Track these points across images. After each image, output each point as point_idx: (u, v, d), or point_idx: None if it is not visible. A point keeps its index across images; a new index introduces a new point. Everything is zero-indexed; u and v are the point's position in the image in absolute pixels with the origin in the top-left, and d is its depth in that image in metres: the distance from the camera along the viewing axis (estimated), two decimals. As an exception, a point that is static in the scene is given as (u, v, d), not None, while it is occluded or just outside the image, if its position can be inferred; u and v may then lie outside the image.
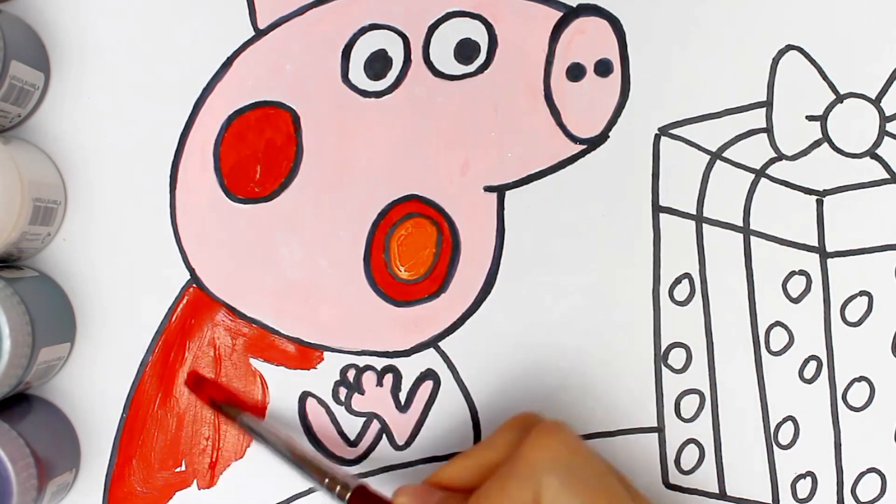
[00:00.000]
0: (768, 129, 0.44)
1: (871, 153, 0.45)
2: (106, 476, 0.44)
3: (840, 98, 0.45)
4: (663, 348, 0.44)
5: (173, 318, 0.44)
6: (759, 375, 0.44)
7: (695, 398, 0.44)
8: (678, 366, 0.44)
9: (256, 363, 0.44)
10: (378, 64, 0.44)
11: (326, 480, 0.39)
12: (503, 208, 0.44)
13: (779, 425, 0.44)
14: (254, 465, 0.44)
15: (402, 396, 0.44)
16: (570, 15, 0.44)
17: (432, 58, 0.44)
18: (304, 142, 0.44)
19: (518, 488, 0.35)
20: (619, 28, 0.44)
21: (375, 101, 0.44)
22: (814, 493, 0.44)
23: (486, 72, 0.44)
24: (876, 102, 0.45)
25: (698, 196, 0.44)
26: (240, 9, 0.44)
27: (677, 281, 0.44)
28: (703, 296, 0.44)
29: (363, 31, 0.44)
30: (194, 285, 0.44)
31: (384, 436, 0.44)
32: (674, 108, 0.44)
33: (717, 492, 0.44)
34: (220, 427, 0.44)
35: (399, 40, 0.44)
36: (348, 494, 0.38)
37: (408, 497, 0.38)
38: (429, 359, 0.44)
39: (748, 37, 0.44)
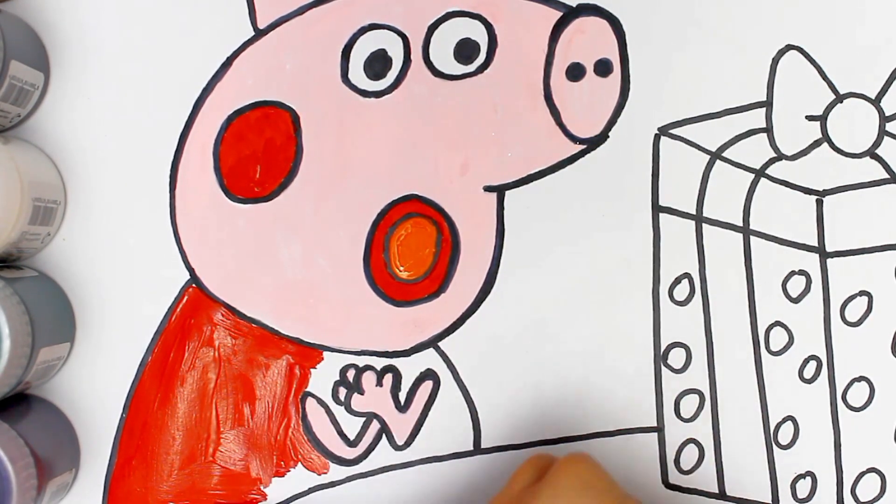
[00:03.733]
0: (768, 129, 0.44)
1: (871, 153, 0.45)
2: (106, 476, 0.44)
3: (840, 98, 0.45)
4: (663, 348, 0.44)
5: (173, 318, 0.44)
6: (758, 375, 0.44)
7: (695, 398, 0.44)
8: (678, 366, 0.44)
9: (256, 363, 0.44)
10: (378, 64, 0.44)
11: None
12: (503, 208, 0.44)
13: (779, 425, 0.44)
14: (254, 465, 0.44)
15: (402, 396, 0.44)
16: (570, 15, 0.44)
17: (432, 58, 0.44)
18: (303, 142, 0.44)
19: None
20: (619, 28, 0.44)
21: (375, 101, 0.44)
22: (814, 493, 0.44)
23: (485, 72, 0.44)
24: (876, 102, 0.45)
25: (698, 196, 0.44)
26: (240, 9, 0.44)
27: (677, 281, 0.44)
28: (703, 296, 0.44)
29: (363, 30, 0.44)
30: (194, 285, 0.44)
31: (384, 436, 0.44)
32: (674, 108, 0.44)
33: (717, 492, 0.44)
34: (219, 428, 0.44)
35: (399, 40, 0.44)
36: None
37: None
38: (429, 359, 0.44)
39: (748, 37, 0.44)
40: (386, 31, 0.44)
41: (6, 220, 0.40)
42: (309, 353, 0.44)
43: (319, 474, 0.44)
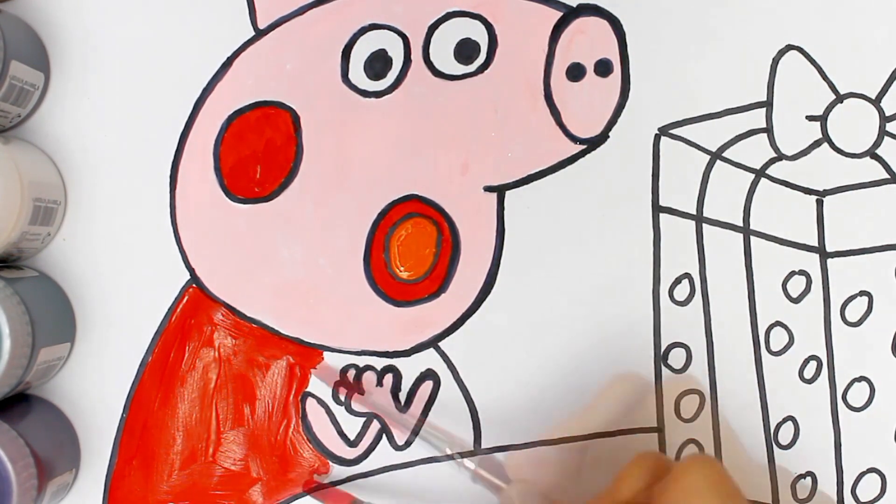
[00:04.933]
0: (768, 129, 0.44)
1: (871, 153, 0.45)
2: (106, 476, 0.44)
3: (840, 98, 0.45)
4: (663, 348, 0.44)
5: (173, 318, 0.44)
6: (759, 375, 0.44)
7: (695, 398, 0.44)
8: (678, 366, 0.44)
9: (256, 363, 0.44)
10: (378, 64, 0.44)
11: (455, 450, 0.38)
12: (503, 208, 0.44)
13: (779, 425, 0.44)
14: (254, 465, 0.44)
15: (402, 396, 0.44)
16: (570, 15, 0.44)
17: (432, 58, 0.44)
18: (304, 142, 0.44)
19: None
20: (619, 28, 0.44)
21: (375, 100, 0.44)
22: (814, 494, 0.44)
23: (486, 72, 0.44)
24: (876, 102, 0.45)
25: (698, 196, 0.44)
26: (240, 9, 0.44)
27: (677, 281, 0.44)
28: (703, 296, 0.44)
29: (363, 31, 0.44)
30: (194, 285, 0.44)
31: (384, 436, 0.44)
32: (674, 108, 0.44)
33: (717, 492, 0.44)
34: (219, 428, 0.44)
35: (399, 40, 0.44)
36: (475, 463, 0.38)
37: None
38: (429, 359, 0.44)
39: (748, 37, 0.44)
40: (386, 31, 0.44)
41: (6, 220, 0.40)
42: (309, 353, 0.44)
43: (319, 474, 0.44)
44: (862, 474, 0.45)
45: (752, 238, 0.44)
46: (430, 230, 0.44)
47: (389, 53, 0.44)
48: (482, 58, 0.44)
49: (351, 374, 0.44)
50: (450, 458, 0.38)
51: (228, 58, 0.44)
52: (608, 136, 0.44)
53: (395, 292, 0.44)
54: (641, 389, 0.37)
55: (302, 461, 0.44)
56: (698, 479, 0.35)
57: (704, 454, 0.37)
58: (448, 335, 0.44)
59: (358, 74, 0.44)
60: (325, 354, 0.44)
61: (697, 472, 0.35)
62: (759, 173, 0.44)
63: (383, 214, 0.44)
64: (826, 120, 0.45)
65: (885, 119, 0.45)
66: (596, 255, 0.44)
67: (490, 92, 0.44)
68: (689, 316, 0.44)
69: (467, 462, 0.38)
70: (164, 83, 0.44)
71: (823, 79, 0.45)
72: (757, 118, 0.44)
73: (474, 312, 0.44)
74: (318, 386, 0.44)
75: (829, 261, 0.45)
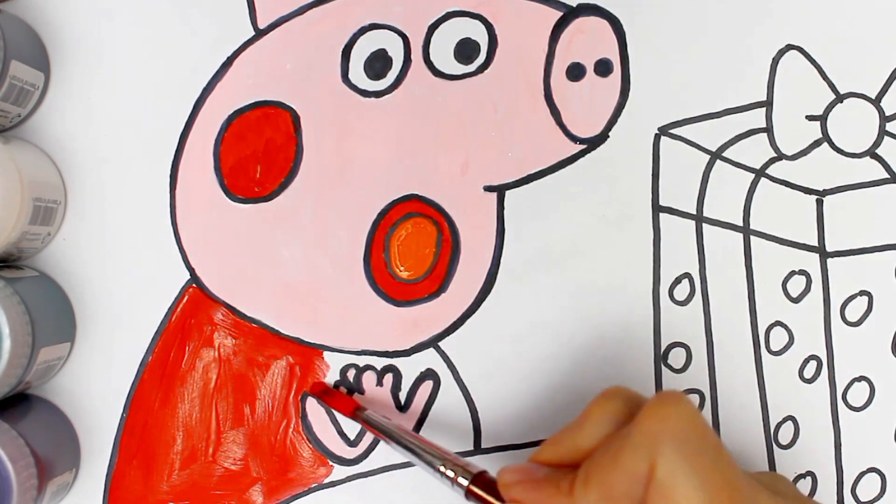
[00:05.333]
0: (768, 129, 0.44)
1: (871, 153, 0.45)
2: (106, 476, 0.44)
3: (840, 98, 0.45)
4: (663, 348, 0.44)
5: (173, 318, 0.44)
6: (759, 375, 0.44)
7: (695, 398, 0.44)
8: (678, 366, 0.44)
9: (256, 363, 0.44)
10: (378, 64, 0.44)
11: (446, 466, 0.38)
12: (503, 208, 0.44)
13: (779, 425, 0.44)
14: (254, 464, 0.44)
15: (402, 396, 0.44)
16: (570, 15, 0.44)
17: (432, 58, 0.44)
18: (304, 141, 0.44)
19: (632, 458, 0.33)
20: (619, 28, 0.44)
21: (375, 100, 0.44)
22: (814, 493, 0.44)
23: (486, 72, 0.44)
24: (876, 102, 0.45)
25: (698, 196, 0.44)
26: (240, 9, 0.44)
27: (677, 281, 0.44)
28: (703, 296, 0.44)
29: (363, 30, 0.44)
30: (194, 285, 0.44)
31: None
32: (674, 108, 0.44)
33: (717, 492, 0.44)
34: (219, 428, 0.44)
35: (399, 40, 0.44)
36: (469, 479, 0.38)
37: (513, 474, 0.36)
38: (429, 359, 0.44)
39: (748, 37, 0.44)
40: (386, 31, 0.44)
41: (6, 220, 0.40)
42: (309, 353, 0.44)
43: (319, 474, 0.44)
44: (862, 474, 0.45)
45: (752, 238, 0.44)
46: (430, 230, 0.44)
47: (389, 53, 0.44)
48: (482, 58, 0.44)
49: (351, 373, 0.44)
50: (442, 475, 0.38)
51: (228, 58, 0.44)
52: (608, 136, 0.44)
53: (395, 292, 0.44)
54: (633, 404, 0.36)
55: (302, 461, 0.44)
56: (666, 424, 0.33)
57: (673, 392, 0.34)
58: (448, 335, 0.44)
59: (358, 74, 0.44)
60: (325, 354, 0.44)
61: (664, 415, 0.33)
62: (759, 173, 0.44)
63: (383, 214, 0.44)
64: (826, 120, 0.45)
65: (885, 119, 0.45)
66: (596, 255, 0.44)
67: (490, 92, 0.44)
68: (689, 316, 0.44)
69: (461, 479, 0.38)
70: (164, 83, 0.44)
71: (823, 79, 0.45)
72: (757, 118, 0.44)
73: (474, 312, 0.44)
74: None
75: (829, 261, 0.45)
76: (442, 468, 0.38)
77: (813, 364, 0.45)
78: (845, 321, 0.45)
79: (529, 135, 0.44)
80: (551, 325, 0.44)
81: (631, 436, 0.34)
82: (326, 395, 0.43)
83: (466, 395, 0.44)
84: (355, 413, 0.42)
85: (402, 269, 0.44)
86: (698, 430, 0.33)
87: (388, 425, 0.41)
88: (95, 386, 0.44)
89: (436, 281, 0.44)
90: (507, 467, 0.37)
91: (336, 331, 0.44)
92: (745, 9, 0.44)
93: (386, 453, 0.44)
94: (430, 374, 0.44)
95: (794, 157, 0.45)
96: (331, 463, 0.44)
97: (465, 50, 0.44)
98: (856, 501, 0.45)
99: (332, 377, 0.44)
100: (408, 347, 0.44)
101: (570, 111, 0.44)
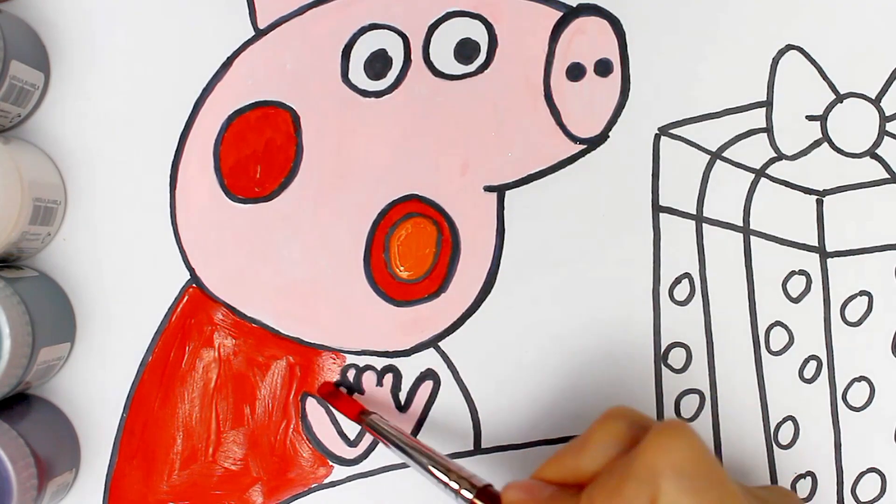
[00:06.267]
0: (768, 129, 0.44)
1: (871, 153, 0.45)
2: (106, 476, 0.44)
3: (840, 98, 0.45)
4: (663, 348, 0.44)
5: (173, 318, 0.44)
6: (759, 375, 0.44)
7: (695, 398, 0.44)
8: (678, 366, 0.44)
9: (256, 363, 0.44)
10: (378, 64, 0.44)
11: (451, 478, 0.38)
12: (503, 208, 0.44)
13: (779, 425, 0.44)
14: (254, 465, 0.44)
15: (402, 396, 0.44)
16: (570, 15, 0.44)
17: (432, 58, 0.44)
18: (304, 141, 0.44)
19: (635, 490, 0.33)
20: (619, 28, 0.44)
21: (375, 100, 0.44)
22: (814, 493, 0.44)
23: (486, 72, 0.44)
24: (876, 102, 0.45)
25: (698, 196, 0.44)
26: (240, 9, 0.44)
27: (677, 281, 0.44)
28: (703, 296, 0.44)
29: (363, 30, 0.44)
30: (194, 285, 0.44)
31: (384, 436, 0.44)
32: (674, 108, 0.44)
33: (717, 492, 0.44)
34: (219, 428, 0.44)
35: (399, 40, 0.44)
36: (474, 493, 0.38)
37: (518, 492, 0.36)
38: (429, 359, 0.44)
39: (748, 37, 0.44)
40: (386, 31, 0.44)
41: (6, 220, 0.40)
42: (309, 353, 0.44)
43: (319, 474, 0.44)
44: (862, 474, 0.45)
45: (752, 238, 0.44)
46: (430, 230, 0.44)
47: (389, 53, 0.44)
48: (482, 58, 0.44)
49: (351, 373, 0.44)
50: (446, 486, 0.38)
51: (228, 58, 0.44)
52: (608, 136, 0.44)
53: (395, 292, 0.44)
54: (637, 426, 0.35)
55: (302, 461, 0.44)
56: (668, 457, 0.33)
57: (677, 421, 0.34)
58: (448, 335, 0.44)
59: (358, 74, 0.44)
60: (325, 354, 0.44)
61: (666, 447, 0.33)
62: (759, 173, 0.44)
63: (383, 214, 0.44)
64: (826, 120, 0.45)
65: (885, 119, 0.45)
66: (596, 255, 0.44)
67: (490, 92, 0.44)
68: (689, 316, 0.44)
69: (464, 492, 0.38)
70: (164, 83, 0.44)
71: (823, 79, 0.45)
72: (757, 118, 0.44)
73: (474, 312, 0.44)
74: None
75: (829, 261, 0.45)
76: (446, 479, 0.38)
77: (813, 364, 0.45)
78: (845, 321, 0.45)
79: (529, 135, 0.44)
80: (551, 325, 0.44)
81: (633, 468, 0.33)
82: (332, 397, 0.43)
83: (466, 395, 0.44)
84: (360, 417, 0.42)
85: (402, 269, 0.44)
86: (701, 463, 0.33)
87: (392, 431, 0.41)
88: (95, 386, 0.44)
89: (436, 281, 0.44)
90: (514, 484, 0.37)
91: (336, 331, 0.44)
92: (745, 9, 0.44)
93: (386, 453, 0.44)
94: (430, 374, 0.44)
95: (794, 158, 0.45)
96: (331, 463, 0.44)
97: (465, 50, 0.44)
98: (856, 501, 0.45)
99: (332, 377, 0.44)
100: (408, 347, 0.44)
101: (570, 111, 0.44)
